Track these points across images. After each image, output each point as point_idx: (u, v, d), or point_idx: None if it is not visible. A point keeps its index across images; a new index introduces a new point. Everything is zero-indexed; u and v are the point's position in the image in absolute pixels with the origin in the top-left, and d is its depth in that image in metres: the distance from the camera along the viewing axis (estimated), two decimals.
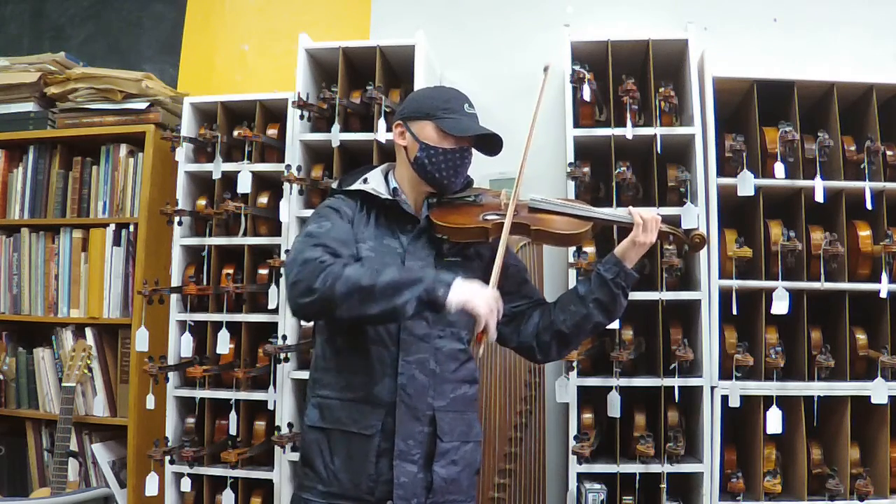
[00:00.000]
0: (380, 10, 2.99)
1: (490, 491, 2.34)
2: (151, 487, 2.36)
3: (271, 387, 2.39)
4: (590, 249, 2.30)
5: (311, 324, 2.11)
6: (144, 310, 2.42)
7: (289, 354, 2.34)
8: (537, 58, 2.75)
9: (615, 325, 2.19)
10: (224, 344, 2.43)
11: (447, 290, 1.41)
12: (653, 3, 2.80)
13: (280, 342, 2.30)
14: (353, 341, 1.57)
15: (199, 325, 2.52)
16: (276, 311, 2.42)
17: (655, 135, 2.28)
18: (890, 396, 2.15)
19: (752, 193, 2.22)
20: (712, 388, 2.21)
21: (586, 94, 2.28)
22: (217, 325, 2.46)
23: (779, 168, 2.24)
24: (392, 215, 1.63)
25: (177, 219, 2.49)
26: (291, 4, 3.07)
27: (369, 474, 1.54)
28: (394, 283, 1.41)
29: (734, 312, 2.21)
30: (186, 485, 2.38)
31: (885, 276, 2.18)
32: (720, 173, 2.29)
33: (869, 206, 2.22)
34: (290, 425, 2.32)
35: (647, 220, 1.59)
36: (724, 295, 2.24)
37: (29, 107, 2.79)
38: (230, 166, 2.52)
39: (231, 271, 2.52)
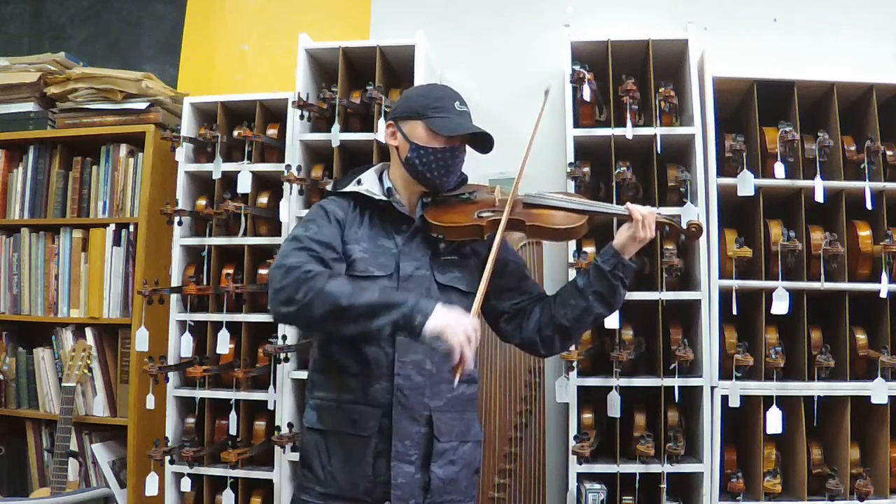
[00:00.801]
0: (380, 10, 2.99)
1: (490, 491, 2.34)
2: (151, 487, 2.36)
3: (271, 387, 2.39)
4: (590, 249, 2.30)
5: None
6: (144, 310, 2.42)
7: (289, 354, 2.34)
8: (537, 58, 2.78)
9: (615, 325, 2.20)
10: (224, 344, 2.43)
11: (424, 318, 1.39)
12: (653, 3, 2.80)
13: (280, 342, 2.30)
14: (350, 343, 1.57)
15: (199, 325, 2.52)
16: None
17: (655, 135, 2.28)
18: (890, 396, 2.15)
19: (752, 193, 2.22)
20: (712, 388, 2.21)
21: (586, 94, 2.28)
22: (217, 325, 2.46)
23: (779, 168, 2.24)
24: (386, 216, 1.63)
25: (177, 219, 2.49)
26: (291, 4, 3.07)
27: (367, 475, 1.54)
28: (372, 306, 1.41)
29: (734, 312, 2.21)
30: (186, 485, 2.38)
31: (885, 276, 2.18)
32: (720, 173, 2.29)
33: (869, 206, 2.22)
34: (290, 425, 2.32)
35: (645, 216, 1.59)
36: (724, 295, 2.24)
37: (29, 107, 2.79)
38: (230, 166, 2.52)
39: (231, 271, 2.52)
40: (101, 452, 2.62)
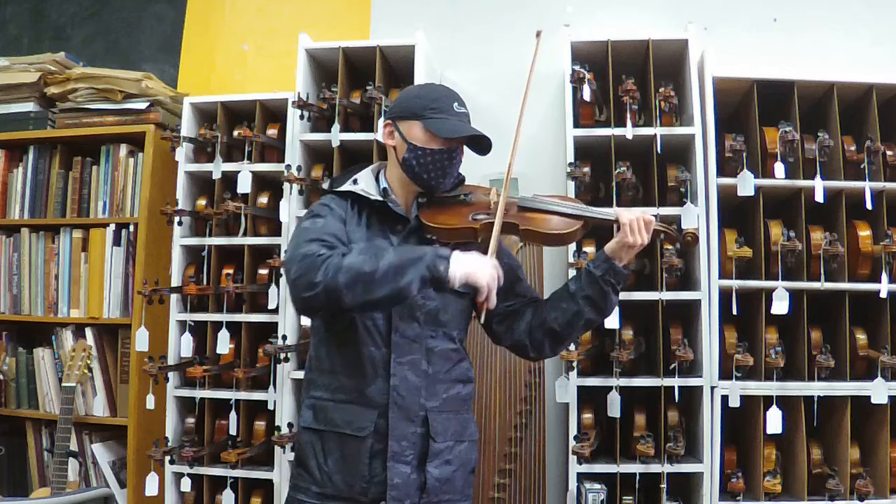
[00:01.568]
0: (380, 10, 2.99)
1: (490, 491, 2.34)
2: (151, 487, 2.36)
3: (271, 387, 2.39)
4: (590, 249, 2.30)
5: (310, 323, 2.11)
6: (144, 310, 2.42)
7: (289, 354, 2.34)
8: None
9: (615, 325, 2.19)
10: (224, 344, 2.43)
11: (447, 264, 1.42)
12: (653, 3, 2.80)
13: (280, 342, 2.30)
14: (346, 343, 1.57)
15: (199, 325, 2.52)
16: (276, 311, 2.42)
17: (655, 135, 2.28)
18: (890, 396, 2.15)
19: (752, 193, 2.22)
20: (712, 388, 2.21)
21: (586, 94, 2.28)
22: (217, 325, 2.46)
23: (779, 168, 2.24)
24: (382, 216, 1.63)
25: (177, 219, 2.49)
26: (291, 4, 3.07)
27: (362, 475, 1.54)
28: (395, 265, 1.42)
29: (734, 312, 2.21)
30: (186, 485, 2.38)
31: (885, 276, 2.18)
32: (720, 173, 2.29)
33: (869, 206, 2.22)
34: (290, 425, 2.32)
35: (632, 221, 1.55)
36: (724, 295, 2.24)
37: (29, 107, 2.79)
38: (230, 166, 2.52)
39: (231, 271, 2.52)
40: (101, 452, 2.62)
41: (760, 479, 2.18)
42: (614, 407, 2.19)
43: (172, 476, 2.44)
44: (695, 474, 2.22)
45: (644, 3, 2.81)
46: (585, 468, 2.21)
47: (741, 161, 2.25)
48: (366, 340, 1.55)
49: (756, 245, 2.26)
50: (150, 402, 2.39)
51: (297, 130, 2.47)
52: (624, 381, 2.23)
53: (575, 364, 2.20)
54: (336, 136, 2.39)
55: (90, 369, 2.60)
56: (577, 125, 2.36)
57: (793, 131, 2.23)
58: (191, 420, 2.50)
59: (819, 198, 2.22)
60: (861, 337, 2.25)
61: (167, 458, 2.38)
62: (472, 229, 1.60)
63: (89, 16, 3.28)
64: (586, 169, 2.30)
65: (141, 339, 2.43)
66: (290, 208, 2.42)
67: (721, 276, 2.25)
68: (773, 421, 2.15)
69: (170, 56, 3.15)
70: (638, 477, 2.17)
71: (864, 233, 2.24)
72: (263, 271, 2.51)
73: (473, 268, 1.45)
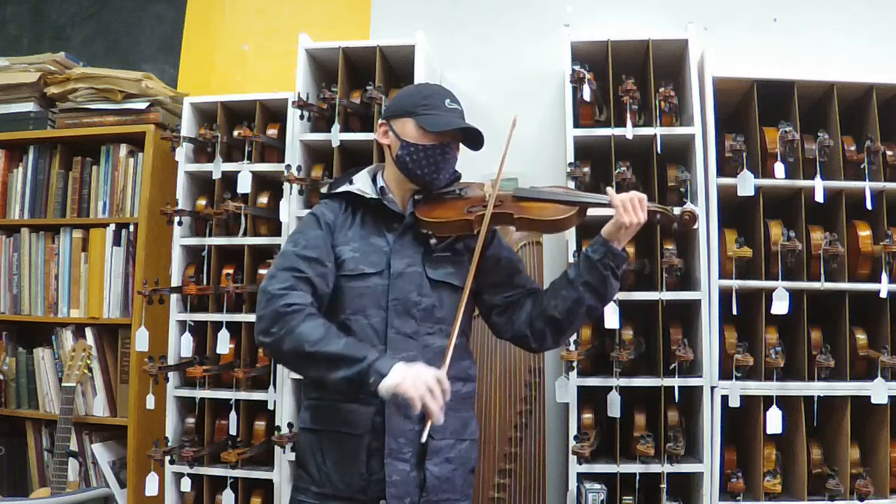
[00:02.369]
0: (380, 10, 2.99)
1: (490, 491, 2.34)
2: (151, 487, 2.36)
3: (271, 387, 2.39)
4: None
5: None
6: (144, 310, 2.42)
7: None
8: (537, 58, 2.78)
9: (615, 325, 2.19)
10: (224, 344, 2.43)
11: (379, 378, 1.41)
12: (653, 3, 2.80)
13: None
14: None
15: (199, 325, 2.52)
16: None
17: (655, 135, 2.28)
18: (890, 396, 2.15)
19: (752, 193, 2.22)
20: (712, 388, 2.21)
21: (586, 94, 2.28)
22: (217, 325, 2.46)
23: (779, 168, 2.24)
24: (379, 214, 1.64)
25: (177, 219, 2.49)
26: (291, 4, 3.07)
27: (360, 474, 1.54)
28: (334, 357, 1.44)
29: (734, 312, 2.21)
30: (186, 485, 2.38)
31: (885, 276, 2.18)
32: (720, 173, 2.29)
33: (869, 206, 2.22)
34: (290, 425, 2.32)
35: (624, 201, 1.55)
36: (724, 295, 2.24)
37: (29, 107, 2.79)
38: (230, 166, 2.52)
39: (231, 271, 2.52)
40: (101, 452, 2.62)
41: (760, 479, 2.17)
42: (614, 407, 2.19)
43: (172, 476, 2.44)
44: (695, 474, 2.22)
45: (644, 3, 2.81)
46: (585, 468, 2.21)
47: (741, 161, 2.24)
48: (362, 338, 1.56)
49: (756, 245, 2.26)
50: (150, 402, 2.39)
51: (297, 130, 2.47)
52: (624, 381, 2.23)
53: (575, 364, 2.20)
54: (336, 136, 2.39)
55: (90, 369, 2.60)
56: (577, 125, 2.36)
57: (793, 131, 2.23)
58: (191, 420, 2.50)
59: (819, 198, 2.22)
60: (861, 337, 2.25)
61: (167, 458, 2.38)
62: (467, 221, 1.60)
63: (89, 16, 3.28)
64: (586, 169, 2.31)
65: (141, 339, 2.43)
66: (290, 208, 2.42)
67: (721, 276, 2.25)
68: (773, 421, 2.15)
69: (170, 56, 3.15)
70: (638, 477, 2.17)
71: (864, 233, 2.24)
72: (263, 271, 2.51)
73: (404, 381, 1.40)
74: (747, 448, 2.29)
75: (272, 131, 2.58)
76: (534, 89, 2.80)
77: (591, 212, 1.66)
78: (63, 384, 2.50)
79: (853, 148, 2.29)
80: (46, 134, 2.77)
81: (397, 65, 2.61)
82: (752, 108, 2.34)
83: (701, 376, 2.21)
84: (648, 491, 2.22)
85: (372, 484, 1.54)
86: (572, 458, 2.20)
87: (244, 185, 2.46)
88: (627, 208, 1.55)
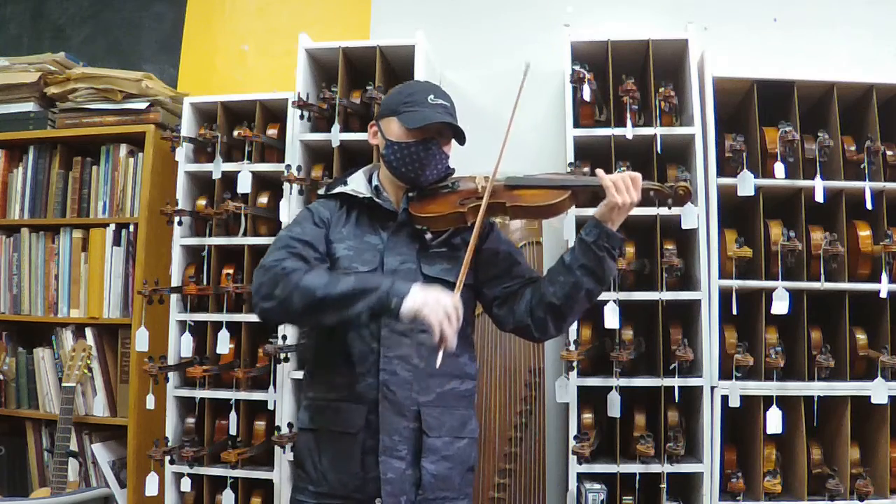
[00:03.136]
0: (380, 10, 2.99)
1: (490, 491, 2.34)
2: (151, 487, 2.36)
3: (271, 387, 2.39)
4: None
5: None
6: (144, 310, 2.43)
7: (289, 354, 2.34)
8: (537, 58, 2.76)
9: (615, 325, 2.19)
10: (224, 344, 2.43)
11: (400, 300, 1.41)
12: (653, 3, 2.80)
13: (280, 342, 2.30)
14: (336, 341, 1.58)
15: (199, 325, 2.52)
16: None
17: (655, 135, 2.28)
18: (890, 396, 2.15)
19: (752, 193, 2.22)
20: (712, 388, 2.21)
21: (586, 94, 2.28)
22: (217, 325, 2.46)
23: (779, 168, 2.24)
24: (373, 213, 1.64)
25: (177, 219, 2.49)
26: (291, 4, 3.07)
27: (355, 472, 1.54)
28: (348, 294, 1.43)
29: (734, 312, 2.21)
30: (186, 485, 2.38)
31: (885, 276, 2.18)
32: (720, 173, 2.29)
33: (869, 206, 2.22)
34: (290, 425, 2.32)
35: (616, 180, 1.53)
36: (724, 295, 2.24)
37: (29, 107, 2.79)
38: (230, 166, 2.52)
39: (231, 271, 2.52)
40: (101, 452, 2.62)
41: (760, 479, 2.17)
42: (614, 407, 2.19)
43: (172, 476, 2.44)
44: (695, 474, 2.22)
45: (644, 3, 2.81)
46: (585, 468, 2.21)
47: (741, 161, 2.24)
48: (355, 336, 1.56)
49: (756, 245, 2.26)
50: (150, 402, 2.39)
51: (297, 130, 2.47)
52: (624, 381, 2.23)
53: (575, 364, 2.20)
54: (336, 136, 2.39)
55: (90, 369, 2.60)
56: (577, 125, 2.36)
57: (793, 131, 2.23)
58: (191, 420, 2.50)
59: (819, 198, 2.22)
60: (861, 337, 2.25)
61: (167, 458, 2.38)
62: (461, 213, 1.59)
63: (89, 16, 3.28)
64: (586, 169, 2.30)
65: (141, 339, 2.43)
66: (290, 208, 2.42)
67: (721, 276, 2.25)
68: (773, 421, 2.15)
69: (170, 56, 3.15)
70: (638, 477, 2.17)
71: (864, 233, 2.24)
72: None
73: (425, 305, 1.40)
74: (747, 448, 2.29)
75: (272, 131, 2.58)
76: (534, 89, 2.79)
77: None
78: (63, 384, 2.50)
79: (853, 148, 2.29)
80: (46, 134, 2.77)
81: (397, 65, 2.61)
82: (752, 108, 2.34)
83: (701, 376, 2.21)
84: (648, 491, 2.22)
85: (367, 482, 1.53)
86: (572, 458, 2.20)
87: (244, 185, 2.46)
88: (620, 188, 1.53)
